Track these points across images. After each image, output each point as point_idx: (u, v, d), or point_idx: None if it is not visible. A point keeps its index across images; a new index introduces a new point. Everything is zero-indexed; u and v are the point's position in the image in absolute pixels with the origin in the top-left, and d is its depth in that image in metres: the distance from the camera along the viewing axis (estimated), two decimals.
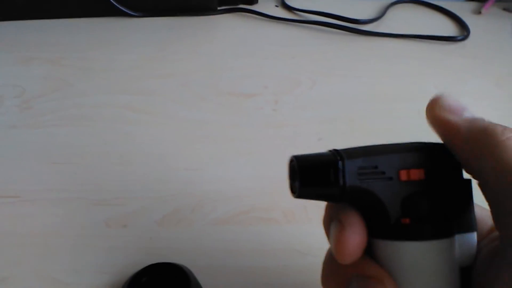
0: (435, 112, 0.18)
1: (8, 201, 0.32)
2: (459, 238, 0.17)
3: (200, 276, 0.27)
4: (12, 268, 0.28)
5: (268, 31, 0.53)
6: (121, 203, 0.32)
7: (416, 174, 0.17)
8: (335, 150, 0.18)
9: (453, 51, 0.51)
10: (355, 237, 0.17)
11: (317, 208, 0.32)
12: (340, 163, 0.17)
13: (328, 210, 0.19)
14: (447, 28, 0.55)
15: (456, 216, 0.17)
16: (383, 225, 0.17)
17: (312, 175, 0.17)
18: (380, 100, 0.43)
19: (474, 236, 0.17)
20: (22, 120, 0.39)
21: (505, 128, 0.16)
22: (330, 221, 0.18)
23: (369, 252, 0.18)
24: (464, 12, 0.58)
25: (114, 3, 0.53)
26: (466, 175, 0.18)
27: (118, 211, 0.31)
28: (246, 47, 0.50)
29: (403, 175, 0.17)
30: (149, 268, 0.27)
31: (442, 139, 0.18)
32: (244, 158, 0.36)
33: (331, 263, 0.19)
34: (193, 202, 0.32)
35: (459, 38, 0.52)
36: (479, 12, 0.58)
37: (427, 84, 0.45)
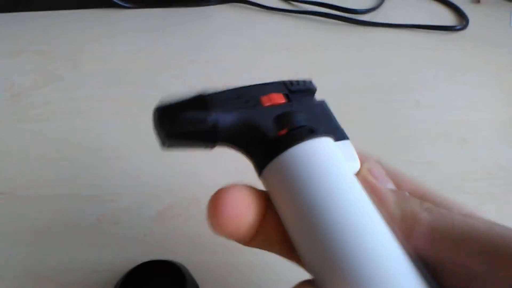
0: (363, 175, 0.18)
1: None
2: (338, 144, 0.18)
3: (196, 273, 0.27)
4: (2, 267, 0.27)
5: (264, 22, 0.52)
6: (114, 198, 0.31)
7: (275, 98, 0.18)
8: (196, 92, 0.18)
9: (452, 41, 0.50)
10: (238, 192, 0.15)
11: None
12: (207, 96, 0.17)
13: None
14: (446, 17, 0.55)
15: (321, 125, 0.18)
16: (264, 149, 0.17)
17: (179, 112, 0.17)
18: (378, 91, 0.42)
19: (348, 143, 0.18)
20: (11, 114, 0.38)
21: (422, 202, 0.16)
22: None
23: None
24: (463, 1, 0.57)
25: None
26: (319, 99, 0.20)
27: (111, 207, 0.31)
28: (241, 39, 0.49)
29: (266, 101, 0.18)
30: (143, 266, 0.26)
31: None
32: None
33: None
34: (189, 197, 0.31)
35: (458, 27, 0.51)
36: (478, 1, 0.58)
37: (425, 75, 0.45)
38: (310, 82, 0.21)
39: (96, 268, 0.27)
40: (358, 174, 0.18)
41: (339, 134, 0.18)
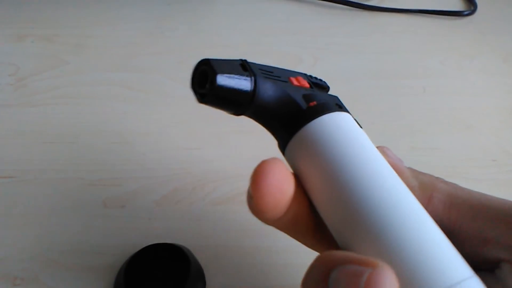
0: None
1: (3, 182, 0.31)
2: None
3: (200, 256, 0.27)
4: (7, 249, 0.28)
5: (269, 6, 0.52)
6: (118, 183, 0.31)
7: (302, 81, 0.20)
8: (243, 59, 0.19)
9: (460, 26, 0.49)
10: (280, 170, 0.15)
11: None
12: (249, 63, 0.18)
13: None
14: (454, 2, 0.54)
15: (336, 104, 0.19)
16: (295, 118, 0.18)
17: (224, 67, 0.17)
18: (384, 77, 0.42)
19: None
20: (16, 98, 0.38)
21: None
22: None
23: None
24: None
25: None
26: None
27: (115, 191, 0.31)
28: (246, 24, 0.48)
29: (294, 81, 0.19)
30: (148, 249, 0.27)
31: None
32: (245, 137, 0.35)
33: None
34: (193, 181, 0.32)
35: (465, 12, 0.51)
36: None
37: (432, 61, 0.44)
38: (324, 81, 0.23)
39: (101, 251, 0.28)
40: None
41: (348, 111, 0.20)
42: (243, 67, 0.18)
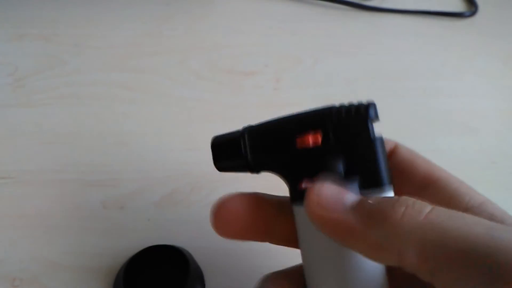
0: (316, 213, 0.16)
1: (1, 182, 0.31)
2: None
3: (199, 258, 0.27)
4: (7, 250, 0.27)
5: (268, 6, 0.52)
6: (117, 184, 0.31)
7: (311, 139, 0.17)
8: (248, 125, 0.20)
9: (461, 28, 0.49)
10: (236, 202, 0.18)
11: None
12: (241, 138, 0.19)
13: None
14: (455, 3, 0.53)
15: (356, 171, 0.17)
16: (291, 190, 0.18)
17: (221, 151, 0.20)
18: (385, 78, 0.42)
19: (389, 189, 0.17)
20: (15, 98, 0.38)
21: (396, 200, 0.14)
22: None
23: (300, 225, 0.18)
24: None
25: None
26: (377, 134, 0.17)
27: (115, 192, 0.31)
28: (245, 24, 0.48)
29: (300, 142, 0.17)
30: (147, 250, 0.27)
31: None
32: None
33: None
34: (192, 183, 0.31)
35: (467, 14, 0.50)
36: None
37: (433, 62, 0.44)
38: (367, 108, 0.17)
39: (101, 252, 0.28)
40: (312, 213, 0.16)
41: (379, 180, 0.17)
42: (242, 143, 0.19)
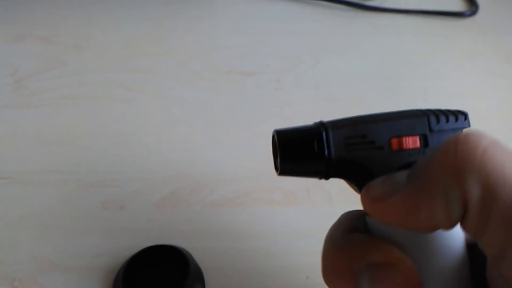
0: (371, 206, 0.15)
1: (1, 182, 0.31)
2: None
3: (199, 258, 0.27)
4: (5, 251, 0.27)
5: (269, 7, 0.52)
6: (117, 184, 0.31)
7: (410, 142, 0.16)
8: (320, 122, 0.17)
9: (461, 27, 0.49)
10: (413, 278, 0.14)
11: (318, 188, 0.31)
12: (324, 134, 0.16)
13: (339, 256, 0.16)
14: (455, 3, 0.53)
15: None
16: None
17: (293, 148, 0.16)
18: (386, 78, 0.42)
19: None
20: (15, 99, 0.38)
21: (447, 141, 0.13)
22: (353, 271, 0.15)
23: (375, 231, 0.16)
24: None
25: None
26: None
27: (114, 193, 0.31)
28: (245, 24, 0.48)
29: (395, 144, 0.16)
30: (147, 251, 0.26)
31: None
32: (244, 138, 0.35)
33: (333, 255, 0.16)
34: (192, 183, 0.31)
35: (467, 13, 0.50)
36: None
37: (434, 62, 0.44)
38: (465, 116, 0.17)
39: (100, 252, 0.27)
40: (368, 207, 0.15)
41: None
42: (317, 140, 0.16)
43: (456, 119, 0.16)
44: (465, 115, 0.17)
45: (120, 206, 0.30)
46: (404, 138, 0.16)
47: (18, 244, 0.28)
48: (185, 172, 0.32)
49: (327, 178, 0.17)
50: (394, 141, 0.16)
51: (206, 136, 0.35)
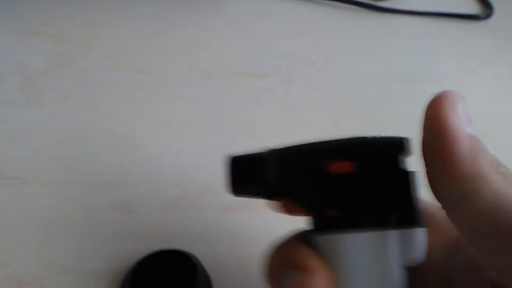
0: (441, 111, 0.16)
1: (8, 183, 0.31)
2: (401, 233, 0.16)
3: (207, 263, 0.26)
4: (12, 253, 0.27)
5: (279, 7, 0.51)
6: (126, 187, 0.31)
7: (340, 166, 0.16)
8: (269, 148, 0.18)
9: (476, 31, 0.48)
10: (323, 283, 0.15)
11: None
12: (267, 160, 0.18)
13: (275, 256, 0.18)
14: (470, 5, 0.52)
15: (390, 210, 0.16)
16: (313, 217, 0.17)
17: (243, 173, 0.18)
18: (398, 81, 0.41)
19: (419, 232, 0.16)
20: (23, 98, 0.37)
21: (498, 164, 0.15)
22: (282, 270, 0.17)
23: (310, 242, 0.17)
24: None
25: None
26: (410, 167, 0.16)
27: (122, 195, 0.30)
28: (256, 25, 0.48)
29: (326, 167, 0.16)
30: (155, 255, 0.26)
31: (430, 143, 0.16)
32: (255, 141, 0.34)
33: (270, 255, 0.18)
34: (201, 187, 0.31)
35: (482, 16, 0.49)
36: None
37: (447, 65, 0.43)
38: (402, 142, 0.17)
39: (107, 256, 0.27)
40: (437, 108, 0.16)
41: (410, 219, 0.16)
42: (267, 166, 0.18)
43: (393, 144, 0.17)
44: (403, 140, 0.17)
45: (127, 209, 0.30)
46: (334, 163, 0.16)
47: (24, 246, 0.28)
48: (194, 174, 0.32)
49: (275, 199, 0.19)
50: (326, 164, 0.16)
51: (215, 138, 0.35)
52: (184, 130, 0.35)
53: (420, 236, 0.16)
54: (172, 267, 0.26)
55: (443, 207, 0.15)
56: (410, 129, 0.36)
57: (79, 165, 0.32)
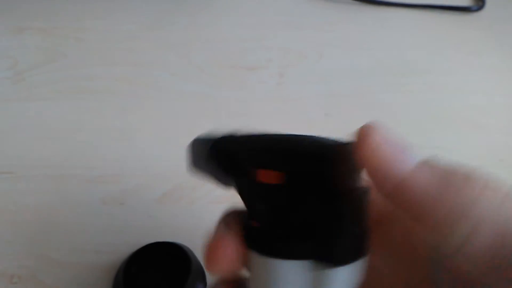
0: (370, 154, 0.12)
1: (1, 177, 0.31)
2: (316, 270, 0.13)
3: (200, 255, 0.26)
4: (4, 247, 0.27)
5: (272, 0, 0.51)
6: (118, 180, 0.31)
7: (269, 176, 0.14)
8: (228, 132, 0.17)
9: (468, 23, 0.48)
10: (227, 249, 0.15)
11: None
12: (212, 147, 0.16)
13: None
14: None
15: (310, 238, 0.13)
16: (245, 227, 0.15)
17: (195, 154, 0.18)
18: (390, 74, 0.41)
19: (341, 271, 0.13)
20: (14, 93, 0.37)
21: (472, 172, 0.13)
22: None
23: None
24: None
25: None
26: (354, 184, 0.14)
27: (115, 188, 0.30)
28: (249, 18, 0.47)
29: (256, 175, 0.14)
30: (148, 247, 0.26)
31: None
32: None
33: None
34: (194, 179, 0.31)
35: (474, 8, 0.49)
36: None
37: (439, 57, 0.43)
38: (336, 154, 0.14)
39: (100, 249, 0.27)
40: (365, 149, 0.13)
41: (329, 255, 0.13)
42: (211, 156, 0.16)
43: (324, 159, 0.14)
44: (330, 152, 0.14)
45: (120, 202, 0.29)
46: (265, 172, 0.14)
47: (17, 240, 0.27)
48: (186, 168, 0.32)
49: (227, 188, 0.17)
50: (258, 172, 0.14)
51: (208, 131, 0.35)
52: (176, 123, 0.35)
53: (343, 276, 0.13)
54: (165, 259, 0.26)
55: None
56: (403, 121, 0.36)
57: (71, 159, 0.32)
